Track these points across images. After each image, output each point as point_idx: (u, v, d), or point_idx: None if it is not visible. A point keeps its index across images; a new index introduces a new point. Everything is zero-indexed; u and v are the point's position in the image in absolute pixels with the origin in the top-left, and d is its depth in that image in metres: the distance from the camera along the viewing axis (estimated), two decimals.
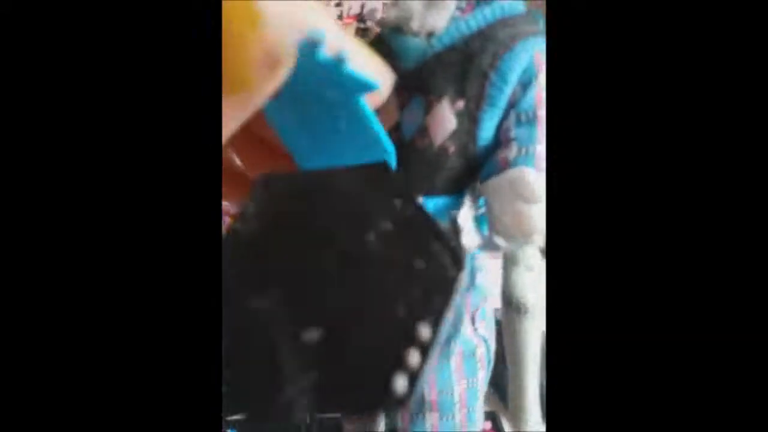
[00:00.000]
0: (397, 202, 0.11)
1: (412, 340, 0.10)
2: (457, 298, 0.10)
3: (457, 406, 0.21)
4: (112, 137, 0.13)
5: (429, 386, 0.19)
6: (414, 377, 0.09)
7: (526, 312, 0.16)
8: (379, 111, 0.13)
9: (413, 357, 0.10)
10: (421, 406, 0.19)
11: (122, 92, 0.13)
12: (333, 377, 0.10)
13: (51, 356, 0.12)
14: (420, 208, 0.11)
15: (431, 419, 0.21)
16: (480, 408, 0.23)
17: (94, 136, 0.13)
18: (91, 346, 0.12)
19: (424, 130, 0.13)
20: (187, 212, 0.13)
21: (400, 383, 0.09)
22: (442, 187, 0.15)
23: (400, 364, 0.10)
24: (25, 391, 0.12)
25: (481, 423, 0.22)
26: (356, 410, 0.10)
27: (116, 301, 0.12)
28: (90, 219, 0.13)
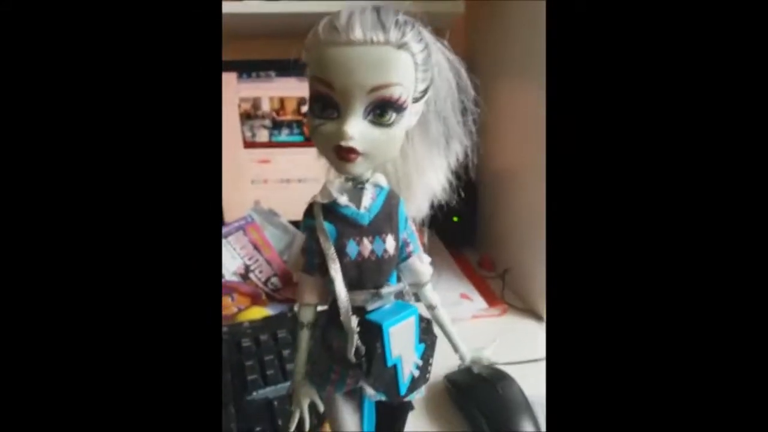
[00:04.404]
0: None
1: None
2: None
3: None
4: (112, 138, 0.13)
5: None
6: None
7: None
8: None
9: None
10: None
11: (122, 92, 0.13)
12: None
13: (50, 356, 0.12)
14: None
15: None
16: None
17: (92, 136, 0.13)
18: (88, 345, 0.12)
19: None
20: (186, 212, 0.13)
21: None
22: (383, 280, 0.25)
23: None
24: (32, 389, 0.12)
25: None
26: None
27: (115, 300, 0.12)
28: (89, 218, 0.13)
